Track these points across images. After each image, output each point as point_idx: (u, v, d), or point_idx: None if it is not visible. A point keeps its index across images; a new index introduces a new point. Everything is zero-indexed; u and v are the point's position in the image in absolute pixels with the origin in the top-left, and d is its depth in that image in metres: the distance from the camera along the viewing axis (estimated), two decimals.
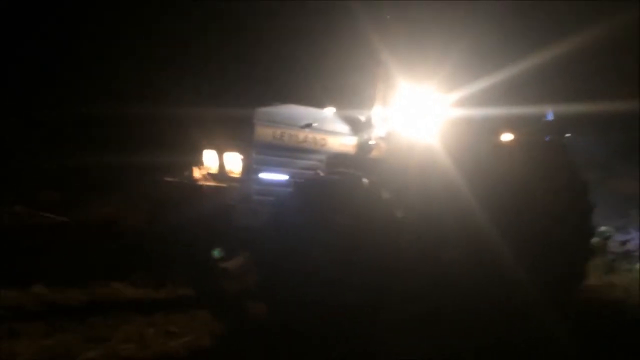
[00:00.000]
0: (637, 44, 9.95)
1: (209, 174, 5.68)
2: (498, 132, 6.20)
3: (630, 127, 10.32)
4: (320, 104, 6.18)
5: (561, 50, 6.78)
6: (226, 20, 10.84)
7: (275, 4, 10.05)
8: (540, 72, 6.45)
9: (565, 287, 5.85)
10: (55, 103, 10.11)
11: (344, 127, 6.03)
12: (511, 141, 6.20)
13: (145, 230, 5.61)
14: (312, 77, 6.45)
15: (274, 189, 5.43)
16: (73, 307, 5.08)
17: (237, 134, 5.53)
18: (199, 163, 5.71)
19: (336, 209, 4.78)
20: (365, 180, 5.16)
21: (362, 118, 6.17)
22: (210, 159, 5.70)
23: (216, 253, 5.38)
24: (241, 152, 5.54)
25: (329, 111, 6.22)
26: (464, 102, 6.02)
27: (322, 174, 5.40)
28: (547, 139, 6.43)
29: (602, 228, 8.79)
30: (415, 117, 6.07)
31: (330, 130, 5.92)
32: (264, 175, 5.54)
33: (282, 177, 5.60)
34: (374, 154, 6.11)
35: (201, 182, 5.46)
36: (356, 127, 6.11)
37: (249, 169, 5.49)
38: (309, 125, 5.69)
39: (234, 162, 5.58)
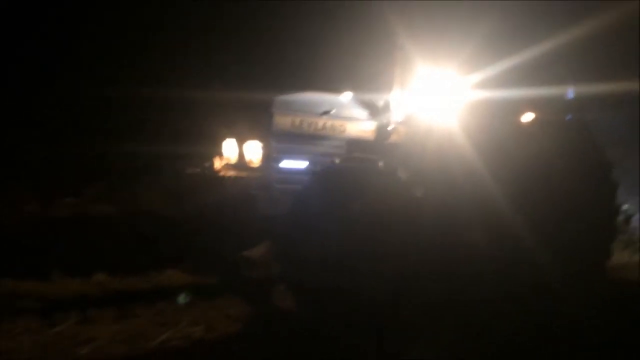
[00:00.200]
0: None
1: (228, 164, 5.70)
2: (518, 113, 6.13)
3: None
4: (338, 90, 6.14)
5: (582, 29, 6.64)
6: (242, 6, 10.77)
7: None
8: (561, 51, 6.33)
9: (591, 267, 5.81)
10: (86, 96, 10.22)
11: (362, 113, 6.00)
12: (532, 121, 6.12)
13: (174, 220, 5.68)
14: (330, 62, 6.40)
15: (294, 177, 5.43)
16: (137, 293, 5.21)
17: (256, 123, 5.54)
18: (219, 153, 5.72)
19: (354, 195, 4.78)
20: (381, 165, 5.13)
21: (381, 103, 6.12)
22: (230, 149, 5.71)
23: (181, 299, 5.38)
24: (261, 141, 5.54)
25: (347, 96, 6.19)
26: (483, 84, 5.95)
27: (337, 161, 5.38)
28: (568, 117, 6.34)
29: (625, 206, 8.68)
30: (434, 100, 6.01)
31: (349, 116, 5.89)
32: (284, 164, 5.54)
33: (302, 165, 5.60)
34: (393, 138, 6.07)
35: (222, 173, 5.48)
36: (374, 112, 6.06)
37: (269, 158, 5.50)
38: (327, 112, 5.67)
39: (253, 152, 5.59)
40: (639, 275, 6.51)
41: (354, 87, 6.29)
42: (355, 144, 5.82)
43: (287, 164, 5.55)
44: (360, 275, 4.62)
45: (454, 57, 5.85)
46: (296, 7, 9.15)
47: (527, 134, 5.96)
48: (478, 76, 5.93)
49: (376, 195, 4.84)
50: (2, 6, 10.81)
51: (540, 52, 6.08)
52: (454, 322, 4.85)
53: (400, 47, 5.89)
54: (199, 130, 6.34)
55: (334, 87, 6.13)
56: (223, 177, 5.44)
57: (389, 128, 6.05)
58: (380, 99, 6.13)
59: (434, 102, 6.01)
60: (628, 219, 8.78)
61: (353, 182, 4.91)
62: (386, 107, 6.07)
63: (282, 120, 5.45)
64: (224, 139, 5.73)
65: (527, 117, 6.14)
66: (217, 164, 5.69)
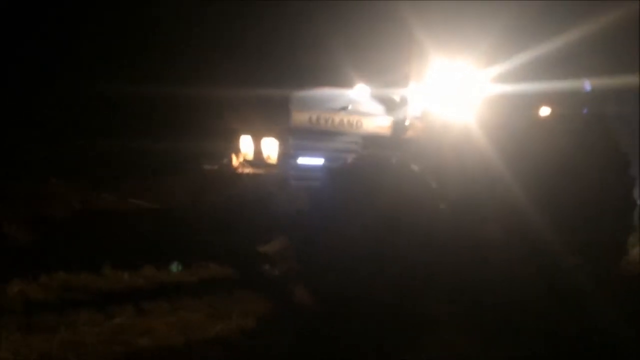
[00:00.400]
0: None
1: (246, 160, 5.69)
2: (536, 107, 6.08)
3: None
4: (354, 85, 6.11)
5: (600, 21, 6.56)
6: (259, 5, 10.73)
7: None
8: (578, 44, 6.27)
9: (609, 262, 5.78)
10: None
11: (378, 108, 5.97)
12: (549, 115, 6.07)
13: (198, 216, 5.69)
14: (346, 57, 6.37)
15: (310, 174, 5.43)
16: (187, 286, 5.25)
17: (273, 119, 5.52)
18: (236, 150, 5.71)
19: (371, 194, 4.76)
20: (394, 160, 5.11)
21: (397, 97, 6.09)
22: (247, 145, 5.70)
23: (174, 268, 5.46)
24: (278, 138, 5.53)
25: (364, 92, 6.15)
26: (500, 78, 5.90)
27: (354, 158, 5.35)
28: (585, 111, 6.29)
29: None
30: (451, 94, 5.97)
31: (366, 111, 5.86)
32: (301, 160, 5.53)
33: (319, 161, 5.58)
34: (410, 133, 6.04)
35: (240, 170, 5.48)
36: (391, 107, 6.03)
37: (286, 155, 5.49)
38: (344, 108, 5.65)
39: (270, 148, 5.58)
40: None
41: (370, 82, 6.25)
42: (372, 140, 5.79)
43: (303, 160, 5.54)
44: (375, 271, 4.62)
45: (470, 51, 5.82)
46: (313, 4, 9.10)
47: (545, 128, 5.91)
48: (495, 70, 5.90)
49: (393, 193, 4.82)
50: (2, 6, 10.84)
51: (557, 45, 6.03)
52: (463, 326, 4.75)
53: (417, 41, 5.85)
54: (217, 127, 6.31)
55: (351, 82, 6.10)
56: (240, 174, 5.43)
57: (406, 123, 6.03)
58: (396, 94, 6.10)
59: (451, 97, 5.98)
60: None
61: (369, 180, 4.89)
62: (403, 102, 6.04)
63: (300, 117, 5.44)
64: (241, 136, 5.72)
65: (544, 111, 6.09)
66: (234, 160, 5.68)
